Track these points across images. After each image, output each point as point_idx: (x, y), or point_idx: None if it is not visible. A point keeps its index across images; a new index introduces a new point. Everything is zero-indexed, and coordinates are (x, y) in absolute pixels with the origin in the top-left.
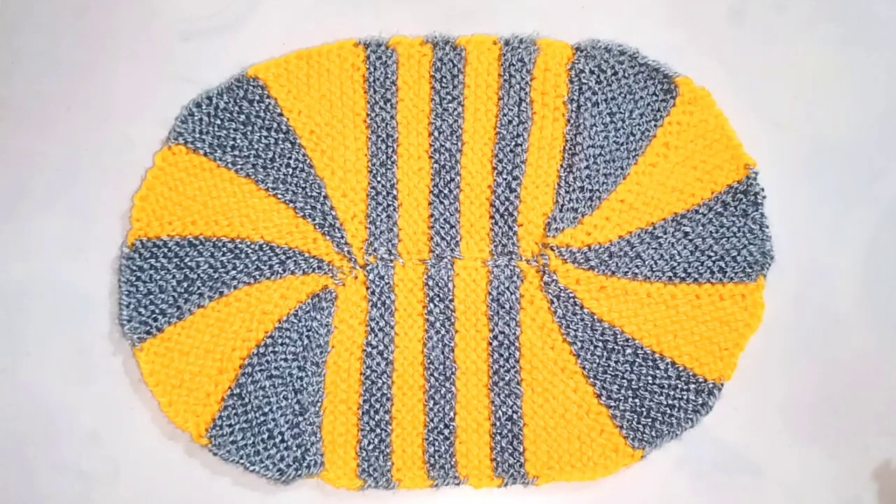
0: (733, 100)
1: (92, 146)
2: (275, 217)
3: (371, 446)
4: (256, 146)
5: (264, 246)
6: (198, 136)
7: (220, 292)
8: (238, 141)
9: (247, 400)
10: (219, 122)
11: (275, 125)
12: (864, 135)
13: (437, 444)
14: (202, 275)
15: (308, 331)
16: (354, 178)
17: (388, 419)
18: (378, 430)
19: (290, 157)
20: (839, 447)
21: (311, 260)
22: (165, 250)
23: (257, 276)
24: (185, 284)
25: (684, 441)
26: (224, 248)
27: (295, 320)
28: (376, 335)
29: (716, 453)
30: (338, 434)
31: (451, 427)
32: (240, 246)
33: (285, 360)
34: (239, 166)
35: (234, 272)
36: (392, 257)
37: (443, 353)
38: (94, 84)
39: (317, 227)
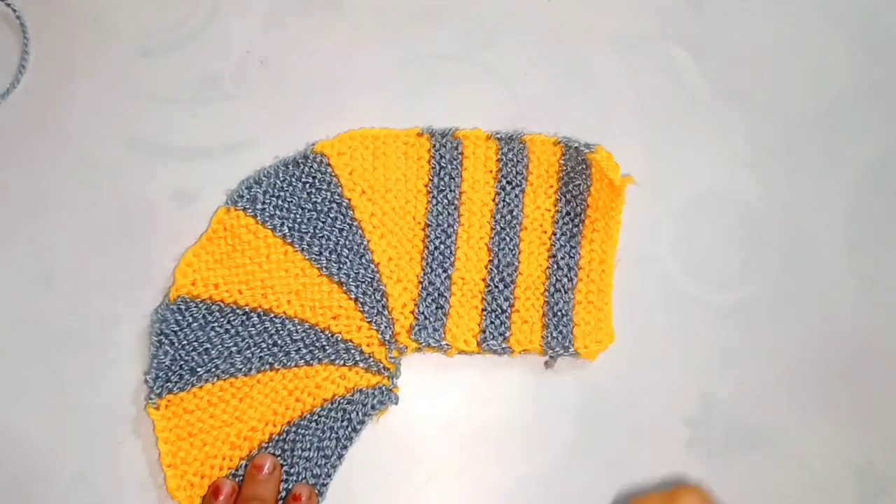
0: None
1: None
2: (324, 298)
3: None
4: (315, 222)
5: (308, 329)
6: (259, 204)
7: (255, 369)
8: (297, 214)
9: None
10: (280, 192)
11: (335, 203)
12: (832, 106)
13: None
14: (234, 346)
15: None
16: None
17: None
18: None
19: (347, 237)
20: (847, 413)
21: (354, 351)
22: (206, 312)
23: (297, 360)
24: (213, 352)
25: (690, 425)
26: (267, 322)
27: (322, 414)
28: None
29: (724, 432)
30: None
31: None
32: (287, 325)
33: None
34: (295, 239)
35: (274, 349)
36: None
37: None
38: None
39: (365, 314)
